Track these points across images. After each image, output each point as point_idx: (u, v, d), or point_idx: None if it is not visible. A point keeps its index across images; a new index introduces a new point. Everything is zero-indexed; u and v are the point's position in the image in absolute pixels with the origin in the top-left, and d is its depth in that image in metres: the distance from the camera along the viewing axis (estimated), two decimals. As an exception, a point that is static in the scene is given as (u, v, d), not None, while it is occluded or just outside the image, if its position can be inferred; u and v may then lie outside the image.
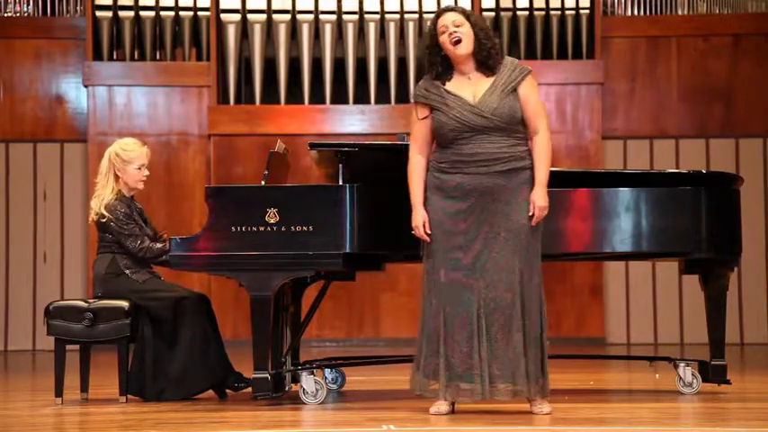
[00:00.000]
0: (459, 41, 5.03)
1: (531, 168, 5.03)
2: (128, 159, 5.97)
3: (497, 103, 5.00)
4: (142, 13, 11.48)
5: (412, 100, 5.18)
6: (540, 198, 4.99)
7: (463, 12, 5.10)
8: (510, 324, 4.94)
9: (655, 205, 5.74)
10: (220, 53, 11.59)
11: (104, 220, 5.89)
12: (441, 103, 5.05)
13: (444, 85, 5.09)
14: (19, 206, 11.53)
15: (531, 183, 5.02)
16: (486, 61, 5.06)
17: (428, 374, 5.03)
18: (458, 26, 5.04)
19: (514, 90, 5.04)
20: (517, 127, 5.04)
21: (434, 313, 5.02)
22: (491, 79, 5.06)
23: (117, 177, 5.97)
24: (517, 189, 5.00)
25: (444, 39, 5.05)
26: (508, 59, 5.12)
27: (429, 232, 5.05)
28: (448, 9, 5.12)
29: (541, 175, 5.02)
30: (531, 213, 4.98)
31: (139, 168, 5.99)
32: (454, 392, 4.97)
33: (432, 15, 5.22)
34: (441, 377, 4.98)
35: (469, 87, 5.06)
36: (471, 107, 5.00)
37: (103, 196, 5.94)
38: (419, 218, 5.08)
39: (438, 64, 5.10)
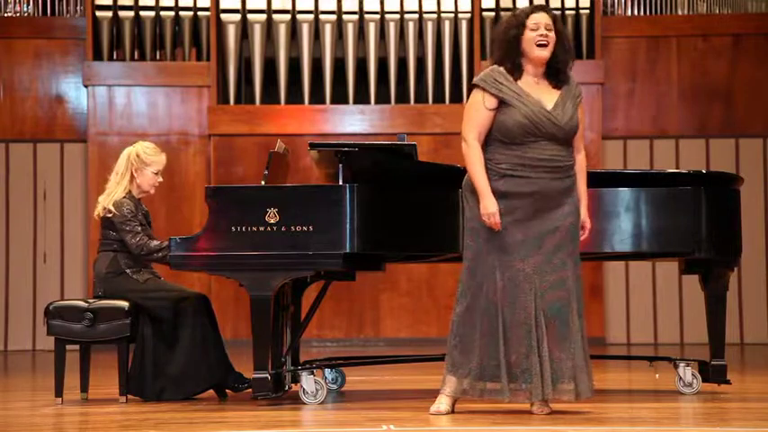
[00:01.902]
0: (545, 45, 4.97)
1: (574, 176, 5.07)
2: (148, 162, 6.00)
3: (570, 115, 4.99)
4: (142, 13, 11.49)
5: (479, 84, 4.99)
6: (588, 221, 5.11)
7: (554, 16, 5.03)
8: (567, 323, 4.94)
9: (655, 205, 5.74)
10: (220, 53, 11.60)
11: (110, 216, 5.90)
12: (516, 101, 4.95)
13: (515, 81, 5.01)
14: (19, 206, 11.54)
15: (575, 188, 5.05)
16: (557, 73, 5.02)
17: (486, 377, 4.97)
18: (550, 30, 4.97)
19: (576, 106, 5.04)
20: (572, 140, 5.05)
21: (492, 314, 4.96)
22: (558, 91, 5.02)
23: (132, 178, 5.99)
24: (566, 192, 5.01)
25: (531, 36, 4.96)
26: (572, 75, 5.10)
27: (499, 221, 4.95)
28: (541, 8, 5.03)
29: (586, 197, 5.11)
30: (581, 233, 5.06)
31: (156, 173, 6.02)
32: (515, 393, 4.94)
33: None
34: (502, 378, 4.93)
35: (538, 93, 5.00)
36: (548, 113, 4.95)
37: (114, 193, 5.95)
38: (493, 204, 4.92)
39: (514, 57, 5.00)
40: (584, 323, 5.04)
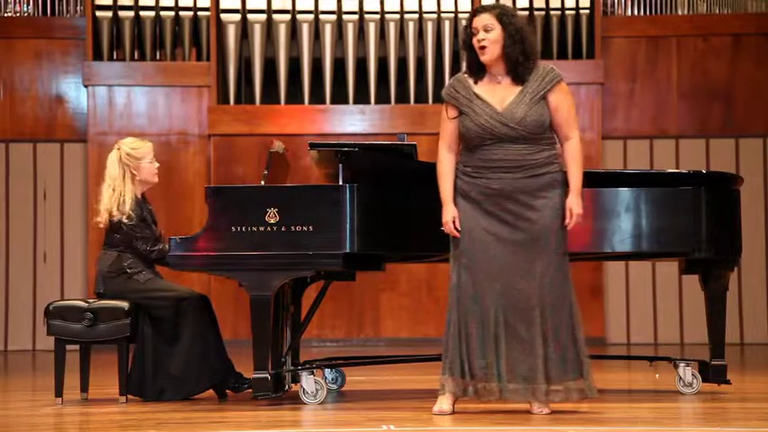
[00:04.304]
0: (483, 48, 4.99)
1: (557, 172, 5.03)
2: (140, 156, 6.00)
3: (524, 112, 4.96)
4: (142, 13, 11.48)
5: (442, 95, 5.13)
6: (576, 206, 5.00)
7: (499, 14, 5.00)
8: (529, 325, 4.94)
9: (655, 205, 5.74)
10: (220, 53, 11.60)
11: (120, 219, 5.87)
12: (468, 108, 5.01)
13: (477, 84, 5.05)
14: (19, 206, 11.53)
15: (558, 185, 5.02)
16: (514, 69, 5.01)
17: (455, 373, 5.01)
18: (489, 30, 4.98)
19: (544, 98, 5.00)
20: (543, 134, 5.02)
21: (460, 315, 5.01)
22: (519, 87, 5.01)
23: (132, 177, 5.98)
24: (540, 191, 4.99)
25: (474, 41, 5.02)
26: (541, 66, 5.05)
27: (459, 228, 5.02)
28: (484, 9, 5.04)
29: (576, 183, 5.02)
30: (566, 221, 4.99)
31: (151, 162, 6.03)
32: (468, 389, 4.97)
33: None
34: (463, 374, 4.97)
35: (499, 93, 5.02)
36: (498, 115, 4.97)
37: (120, 195, 5.92)
38: (449, 214, 5.04)
39: (473, 62, 5.06)
40: (576, 322, 5.01)
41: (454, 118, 5.07)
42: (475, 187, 5.02)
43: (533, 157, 5.00)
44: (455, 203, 5.06)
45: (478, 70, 5.07)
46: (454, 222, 5.04)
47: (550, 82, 5.02)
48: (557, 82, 5.03)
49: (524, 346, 4.94)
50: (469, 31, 5.05)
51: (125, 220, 5.87)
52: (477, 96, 5.03)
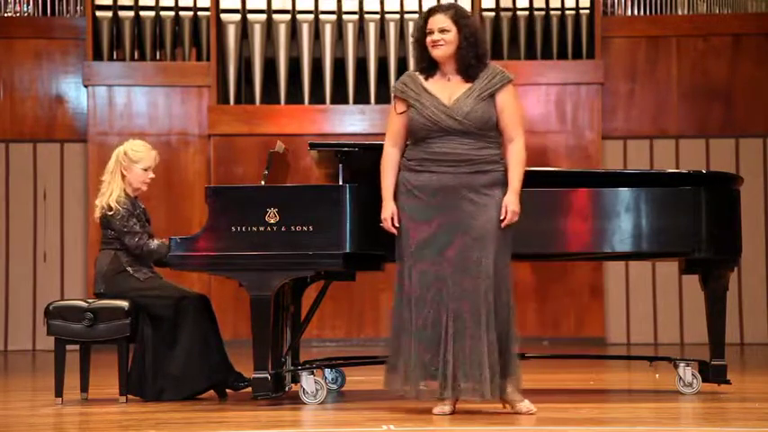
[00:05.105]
0: (438, 47, 5.06)
1: (500, 171, 5.05)
2: (135, 159, 6.00)
3: (471, 107, 5.02)
4: (142, 13, 11.48)
5: (392, 91, 5.20)
6: (512, 203, 5.01)
7: (454, 15, 5.07)
8: (477, 324, 4.95)
9: (655, 205, 5.74)
10: (220, 53, 11.60)
11: (110, 214, 5.88)
12: (416, 101, 5.08)
13: (426, 80, 5.12)
14: (19, 206, 11.53)
15: (501, 184, 5.03)
16: (465, 69, 5.08)
17: (399, 371, 5.04)
18: (444, 31, 5.05)
19: (492, 96, 5.05)
20: (489, 132, 5.06)
21: (408, 315, 5.03)
22: (469, 84, 5.08)
23: (123, 176, 5.99)
24: (484, 188, 5.02)
25: (428, 41, 5.08)
26: (491, 66, 5.12)
27: (397, 225, 5.07)
28: (440, 9, 5.11)
29: (515, 182, 5.04)
30: (502, 217, 4.99)
31: (145, 170, 6.02)
32: (428, 391, 5.01)
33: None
34: (411, 375, 5.01)
35: (448, 88, 5.09)
36: (445, 108, 5.03)
37: (110, 191, 5.95)
38: (387, 211, 5.10)
39: (424, 60, 5.13)
40: (511, 323, 5.02)
41: (402, 113, 5.12)
42: (418, 182, 5.05)
43: (477, 153, 5.03)
44: (399, 201, 5.09)
45: (429, 68, 5.13)
46: (393, 220, 5.07)
47: (499, 82, 5.08)
48: (506, 83, 5.09)
49: (474, 346, 4.94)
50: (423, 31, 5.10)
51: (113, 214, 5.87)
52: (426, 90, 5.09)
